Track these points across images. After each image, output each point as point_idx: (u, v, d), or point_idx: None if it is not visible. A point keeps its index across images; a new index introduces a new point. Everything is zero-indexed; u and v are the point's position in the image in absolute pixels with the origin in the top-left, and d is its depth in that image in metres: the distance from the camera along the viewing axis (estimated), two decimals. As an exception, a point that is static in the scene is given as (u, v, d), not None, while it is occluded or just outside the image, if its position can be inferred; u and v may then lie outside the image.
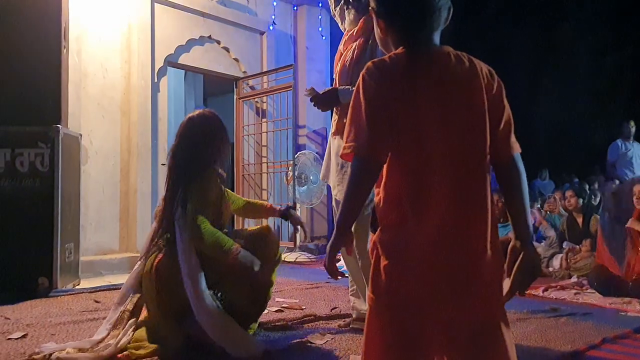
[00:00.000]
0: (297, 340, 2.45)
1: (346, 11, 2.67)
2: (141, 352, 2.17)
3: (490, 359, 1.18)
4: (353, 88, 1.27)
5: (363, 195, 1.22)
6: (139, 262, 2.48)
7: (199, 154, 2.43)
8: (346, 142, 1.21)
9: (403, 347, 1.17)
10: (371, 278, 1.24)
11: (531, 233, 1.25)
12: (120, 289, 3.79)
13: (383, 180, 1.22)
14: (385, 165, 1.21)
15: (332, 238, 1.24)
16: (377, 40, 1.37)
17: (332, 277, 1.29)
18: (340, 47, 2.71)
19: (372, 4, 1.31)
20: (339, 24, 2.81)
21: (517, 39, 11.80)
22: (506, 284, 1.22)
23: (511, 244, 1.23)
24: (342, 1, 2.67)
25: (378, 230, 1.24)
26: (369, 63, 1.24)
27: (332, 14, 2.85)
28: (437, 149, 1.16)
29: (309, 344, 2.39)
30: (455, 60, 1.22)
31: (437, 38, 1.27)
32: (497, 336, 1.18)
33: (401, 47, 1.25)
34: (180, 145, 2.48)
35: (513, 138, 1.24)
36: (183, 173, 2.40)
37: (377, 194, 1.25)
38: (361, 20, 2.59)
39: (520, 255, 1.21)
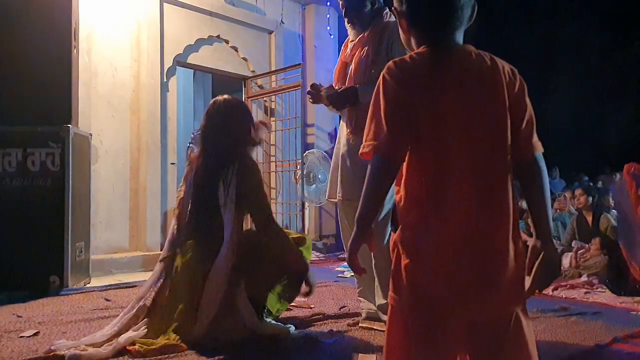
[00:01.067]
0: (307, 338, 2.45)
1: (349, 26, 2.70)
2: (152, 347, 2.19)
3: (513, 357, 1.18)
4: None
5: (382, 193, 1.23)
6: (160, 263, 2.49)
7: (231, 136, 2.44)
8: (366, 141, 1.22)
9: (426, 345, 1.17)
10: (392, 277, 1.24)
11: (552, 232, 1.25)
12: (130, 287, 3.85)
13: (403, 179, 1.22)
14: (405, 164, 1.22)
15: (352, 235, 1.24)
16: (401, 38, 1.36)
17: (356, 273, 1.29)
18: (343, 55, 2.72)
19: (395, 3, 1.31)
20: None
21: (526, 38, 11.73)
22: (526, 282, 1.22)
23: (532, 243, 1.23)
24: (345, 20, 2.69)
25: (399, 229, 1.23)
26: (390, 62, 1.24)
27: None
28: (459, 149, 1.16)
29: (319, 343, 2.40)
30: (477, 59, 1.22)
31: (460, 37, 1.26)
32: (520, 334, 1.18)
33: (423, 46, 1.25)
34: (209, 130, 2.48)
35: (535, 137, 1.24)
36: (220, 156, 2.41)
37: (397, 193, 1.25)
38: (370, 27, 2.61)
39: (541, 255, 1.21)
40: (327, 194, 2.81)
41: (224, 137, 2.44)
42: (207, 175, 2.43)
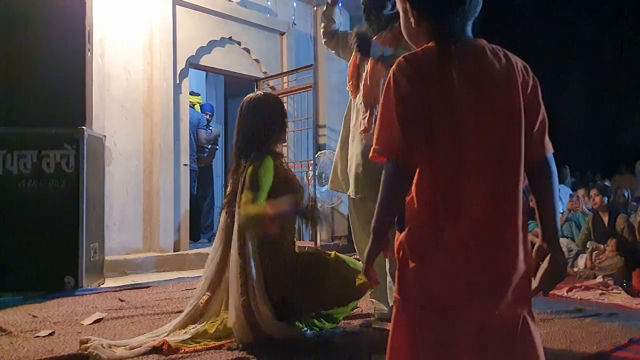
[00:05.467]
0: (320, 339, 2.45)
1: (365, 23, 2.70)
2: (184, 345, 2.25)
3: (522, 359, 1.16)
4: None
5: (399, 200, 1.19)
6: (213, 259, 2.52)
7: (257, 134, 2.48)
8: (376, 144, 1.18)
9: (433, 349, 1.15)
10: (398, 279, 1.21)
11: (559, 234, 1.23)
12: (144, 287, 3.88)
13: (414, 180, 1.19)
14: None
15: (369, 245, 1.22)
16: (405, 33, 1.31)
17: (371, 284, 1.27)
18: (356, 56, 2.72)
19: None
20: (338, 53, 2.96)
21: (541, 37, 11.64)
22: (532, 284, 1.21)
23: (538, 244, 1.21)
24: (364, 16, 2.71)
25: (406, 230, 1.20)
26: (400, 58, 1.19)
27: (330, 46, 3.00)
28: (472, 149, 1.13)
29: (331, 343, 2.40)
30: (491, 55, 1.18)
31: (469, 29, 1.23)
32: (529, 337, 1.16)
33: (433, 41, 1.21)
34: (241, 127, 2.53)
35: (547, 138, 1.21)
36: (244, 154, 2.46)
37: (408, 194, 1.21)
38: (386, 32, 2.62)
39: (548, 257, 1.19)
40: (329, 182, 2.84)
41: (248, 141, 2.49)
42: (235, 171, 2.50)
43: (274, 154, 2.51)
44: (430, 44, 1.22)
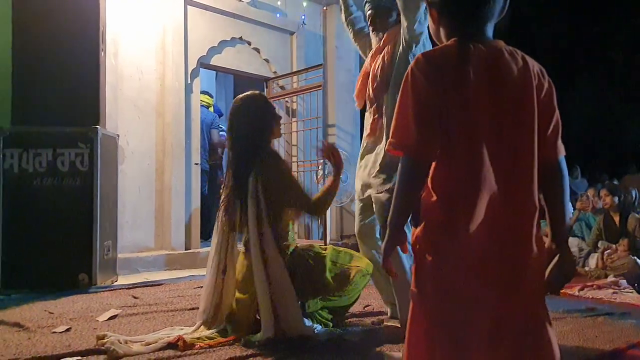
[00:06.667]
0: (332, 336, 2.46)
1: (373, 34, 2.74)
2: (199, 341, 2.29)
3: (537, 355, 1.18)
4: None
5: (414, 194, 1.22)
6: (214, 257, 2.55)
7: (254, 129, 2.53)
8: (393, 137, 1.21)
9: (449, 342, 1.17)
10: (414, 273, 1.23)
11: (567, 235, 1.25)
12: (157, 285, 3.91)
13: (430, 175, 1.21)
14: None
15: (386, 239, 1.25)
16: (431, 32, 1.34)
17: (390, 275, 1.31)
18: (367, 63, 2.74)
19: None
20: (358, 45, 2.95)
21: (549, 37, 11.60)
22: None
23: (547, 244, 1.23)
24: (370, 28, 2.73)
25: (422, 225, 1.22)
26: (419, 55, 1.22)
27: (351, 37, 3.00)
28: (487, 147, 1.15)
29: (343, 341, 2.41)
30: (508, 57, 1.20)
31: (490, 30, 1.25)
32: (543, 332, 1.18)
33: (453, 39, 1.23)
34: (234, 125, 2.57)
35: (559, 141, 1.23)
36: (245, 148, 2.50)
37: (423, 189, 1.23)
38: (386, 33, 2.64)
39: (556, 257, 1.21)
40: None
41: (247, 136, 2.53)
42: (237, 166, 2.53)
43: (272, 152, 2.58)
44: (449, 42, 1.24)
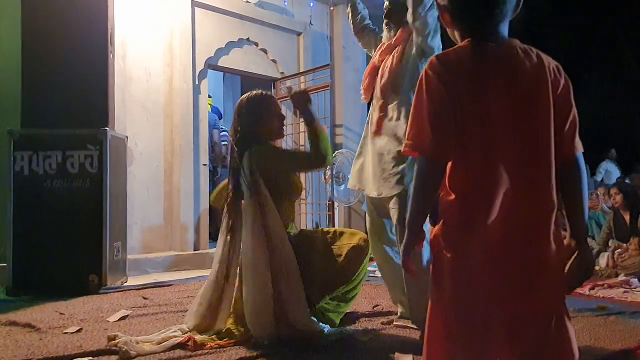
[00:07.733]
0: (342, 336, 2.46)
1: (385, 28, 2.73)
2: (210, 341, 2.30)
3: (556, 352, 1.18)
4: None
5: (431, 194, 1.23)
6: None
7: (253, 126, 2.56)
8: (408, 139, 1.22)
9: (468, 338, 1.18)
10: (432, 271, 1.24)
11: (586, 232, 1.24)
12: (166, 286, 3.92)
13: (447, 174, 1.22)
14: None
15: (405, 239, 1.26)
16: (448, 33, 1.35)
17: (409, 274, 1.32)
18: (375, 58, 2.73)
19: None
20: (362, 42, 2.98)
21: (558, 34, 11.53)
22: None
23: (566, 241, 1.22)
24: (384, 21, 2.73)
25: (440, 223, 1.23)
26: (433, 57, 1.23)
27: (353, 33, 3.02)
28: (504, 146, 1.16)
29: (354, 341, 2.41)
30: (522, 55, 1.20)
31: (504, 29, 1.25)
32: (562, 329, 1.18)
33: (467, 40, 1.24)
34: (235, 121, 2.62)
35: (577, 138, 1.23)
36: (241, 144, 2.53)
37: (441, 188, 1.25)
38: (399, 30, 2.63)
39: (575, 254, 1.21)
40: (350, 180, 2.86)
41: (245, 133, 2.57)
42: (233, 161, 2.57)
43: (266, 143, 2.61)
44: (463, 43, 1.24)
